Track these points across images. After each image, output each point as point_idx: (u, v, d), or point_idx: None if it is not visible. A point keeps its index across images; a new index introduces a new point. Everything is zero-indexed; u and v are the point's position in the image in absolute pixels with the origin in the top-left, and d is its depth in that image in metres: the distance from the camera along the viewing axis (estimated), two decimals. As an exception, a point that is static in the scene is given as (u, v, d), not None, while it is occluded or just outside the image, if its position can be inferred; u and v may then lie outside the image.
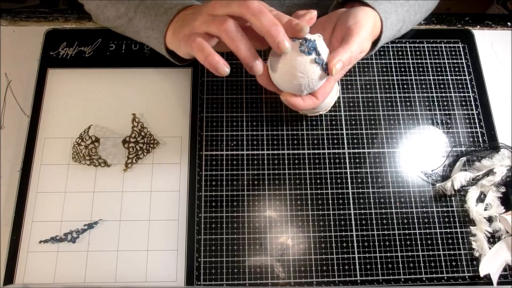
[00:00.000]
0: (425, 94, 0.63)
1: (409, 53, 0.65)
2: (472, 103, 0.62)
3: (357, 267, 0.53)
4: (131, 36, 0.58)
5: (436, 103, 0.62)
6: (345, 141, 0.59)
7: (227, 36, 0.41)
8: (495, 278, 0.52)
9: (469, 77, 0.64)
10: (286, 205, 0.56)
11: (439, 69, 0.64)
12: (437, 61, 0.65)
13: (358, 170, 0.58)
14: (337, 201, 0.56)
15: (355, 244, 0.54)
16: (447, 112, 0.62)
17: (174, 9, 0.50)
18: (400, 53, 0.65)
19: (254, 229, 0.54)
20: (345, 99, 0.62)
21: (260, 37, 0.42)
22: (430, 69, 0.64)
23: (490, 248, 0.54)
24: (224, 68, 0.42)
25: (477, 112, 0.62)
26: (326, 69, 0.44)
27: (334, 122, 0.60)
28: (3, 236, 0.53)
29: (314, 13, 0.45)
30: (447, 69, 0.64)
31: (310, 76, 0.43)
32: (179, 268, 0.52)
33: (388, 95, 0.62)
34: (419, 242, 0.55)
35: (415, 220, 0.56)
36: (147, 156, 0.57)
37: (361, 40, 0.46)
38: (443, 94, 0.63)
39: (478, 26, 0.69)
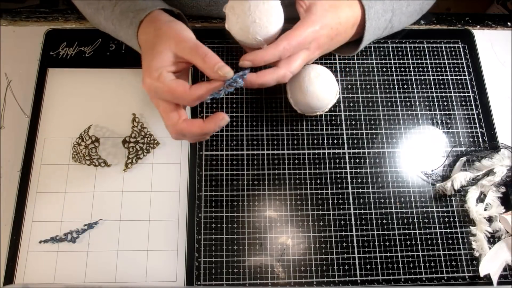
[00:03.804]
0: (425, 94, 0.63)
1: (409, 53, 0.65)
2: (472, 103, 0.62)
3: (357, 267, 0.53)
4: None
5: (436, 103, 0.62)
6: (345, 141, 0.59)
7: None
8: (495, 278, 0.52)
9: (469, 77, 0.64)
10: (286, 205, 0.56)
11: (439, 69, 0.64)
12: (437, 61, 0.65)
13: (358, 170, 0.58)
14: (337, 201, 0.56)
15: (355, 244, 0.54)
16: (447, 112, 0.62)
17: (134, 25, 0.50)
18: (400, 53, 0.65)
19: (254, 229, 0.54)
20: (345, 99, 0.62)
21: None
22: (430, 69, 0.64)
23: (490, 248, 0.54)
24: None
25: (477, 112, 0.62)
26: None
27: (334, 122, 0.60)
28: (3, 236, 0.53)
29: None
30: (447, 69, 0.64)
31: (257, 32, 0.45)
32: (179, 268, 0.52)
33: (388, 95, 0.62)
34: (419, 242, 0.55)
35: (415, 220, 0.56)
36: (147, 156, 0.57)
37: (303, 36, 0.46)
38: (443, 94, 0.63)
39: (478, 26, 0.69)
